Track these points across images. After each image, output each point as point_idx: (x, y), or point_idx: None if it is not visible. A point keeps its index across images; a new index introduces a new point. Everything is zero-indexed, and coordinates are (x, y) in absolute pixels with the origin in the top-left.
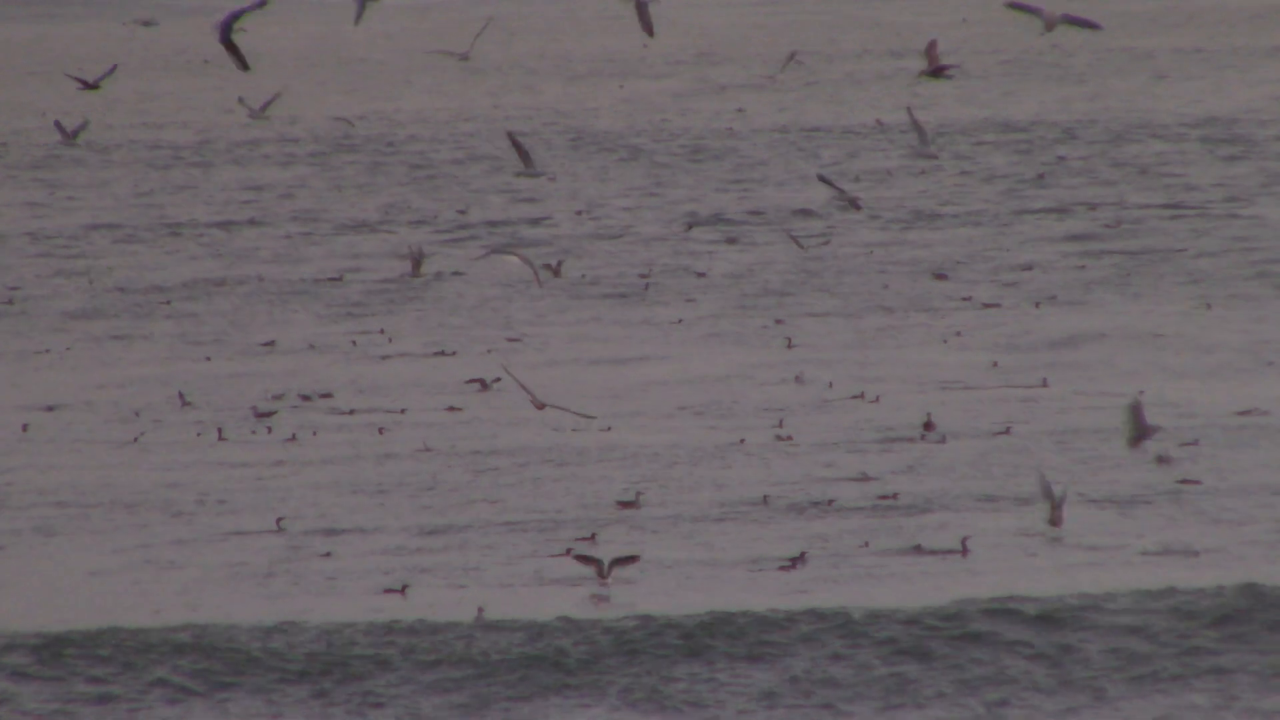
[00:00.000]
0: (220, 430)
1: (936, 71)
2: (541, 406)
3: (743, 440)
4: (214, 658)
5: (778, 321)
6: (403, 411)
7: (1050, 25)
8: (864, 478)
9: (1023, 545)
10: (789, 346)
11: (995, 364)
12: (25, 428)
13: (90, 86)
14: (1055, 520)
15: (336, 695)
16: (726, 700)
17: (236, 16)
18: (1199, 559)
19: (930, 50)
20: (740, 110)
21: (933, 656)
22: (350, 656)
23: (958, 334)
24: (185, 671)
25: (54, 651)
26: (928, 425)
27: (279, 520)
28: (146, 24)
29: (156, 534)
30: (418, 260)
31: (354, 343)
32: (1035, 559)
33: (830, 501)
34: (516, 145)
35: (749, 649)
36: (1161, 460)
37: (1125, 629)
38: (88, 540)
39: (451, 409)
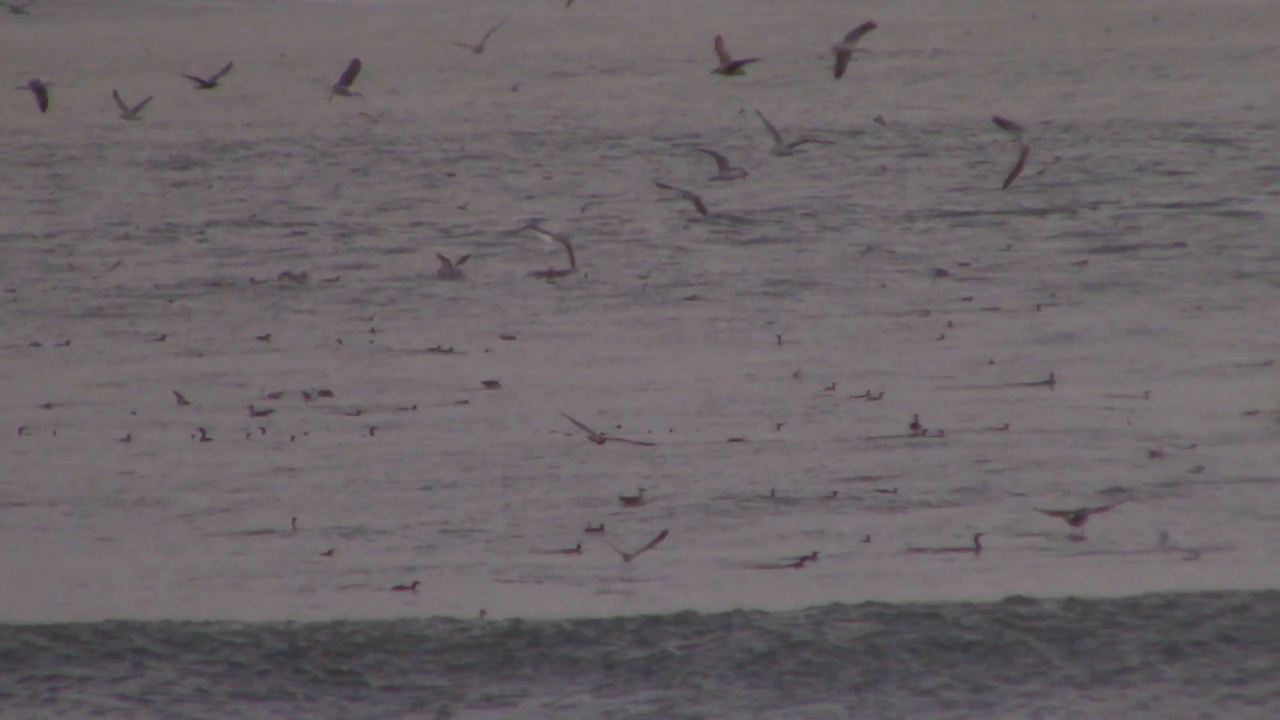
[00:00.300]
0: (218, 429)
1: (731, 68)
2: (601, 440)
3: (745, 439)
4: (189, 644)
5: (769, 322)
6: (414, 408)
7: (1000, 124)
8: (866, 476)
9: (1021, 543)
10: (784, 344)
11: (990, 361)
12: (22, 429)
13: (207, 85)
14: None
15: (292, 671)
16: (711, 670)
17: (350, 78)
18: (1199, 558)
19: (718, 47)
20: (741, 111)
21: (920, 646)
22: (329, 642)
23: (957, 332)
24: (153, 654)
25: (20, 638)
26: (914, 425)
27: (294, 519)
28: (15, 10)
29: (155, 532)
30: (448, 261)
31: (341, 342)
32: (1030, 556)
33: (834, 494)
34: (713, 154)
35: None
36: (1154, 455)
37: (1121, 623)
38: (85, 538)
39: (459, 404)
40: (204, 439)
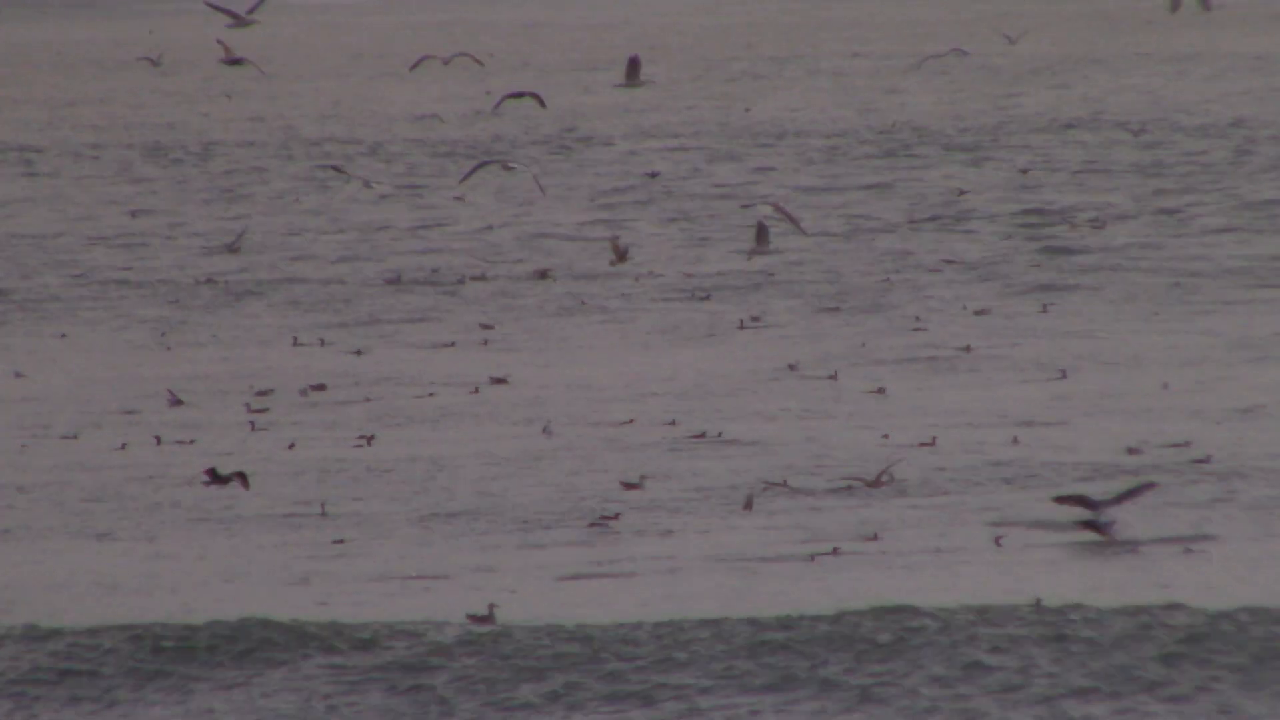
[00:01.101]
0: (214, 425)
1: (234, 62)
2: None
3: (740, 439)
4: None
5: (755, 318)
6: (431, 395)
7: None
8: (870, 471)
9: (1039, 538)
10: (784, 342)
11: (969, 349)
12: (19, 431)
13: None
14: None
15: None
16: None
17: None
18: (1199, 557)
19: (228, 57)
20: (747, 110)
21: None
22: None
23: (958, 331)
24: (127, 639)
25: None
26: (886, 435)
27: (323, 504)
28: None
29: (156, 530)
30: (621, 250)
31: (339, 339)
32: (1051, 552)
33: (844, 489)
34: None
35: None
36: (1132, 452)
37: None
38: (82, 536)
39: (468, 395)
40: (213, 434)
